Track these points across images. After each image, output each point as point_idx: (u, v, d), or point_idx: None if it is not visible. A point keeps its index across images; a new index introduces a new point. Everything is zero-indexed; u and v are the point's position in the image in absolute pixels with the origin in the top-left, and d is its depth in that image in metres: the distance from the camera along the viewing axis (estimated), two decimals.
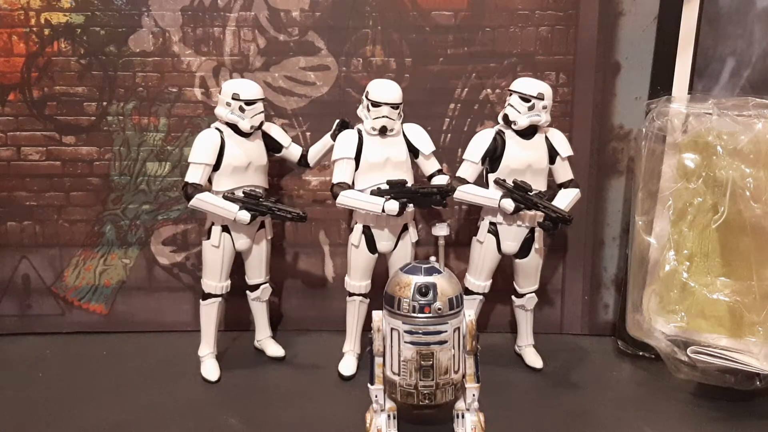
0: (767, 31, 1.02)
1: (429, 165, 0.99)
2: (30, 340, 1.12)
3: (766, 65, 1.03)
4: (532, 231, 0.97)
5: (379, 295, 0.75)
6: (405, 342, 0.68)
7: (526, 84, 0.94)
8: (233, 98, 0.95)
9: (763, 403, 0.90)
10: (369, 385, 0.76)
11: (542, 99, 0.93)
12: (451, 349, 0.67)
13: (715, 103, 0.95)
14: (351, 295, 1.00)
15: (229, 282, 0.99)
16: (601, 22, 1.05)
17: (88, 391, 0.96)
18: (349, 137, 0.96)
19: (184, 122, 1.09)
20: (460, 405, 0.73)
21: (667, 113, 0.98)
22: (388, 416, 0.71)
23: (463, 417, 0.73)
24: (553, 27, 1.06)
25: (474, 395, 0.69)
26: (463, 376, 0.71)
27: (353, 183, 0.95)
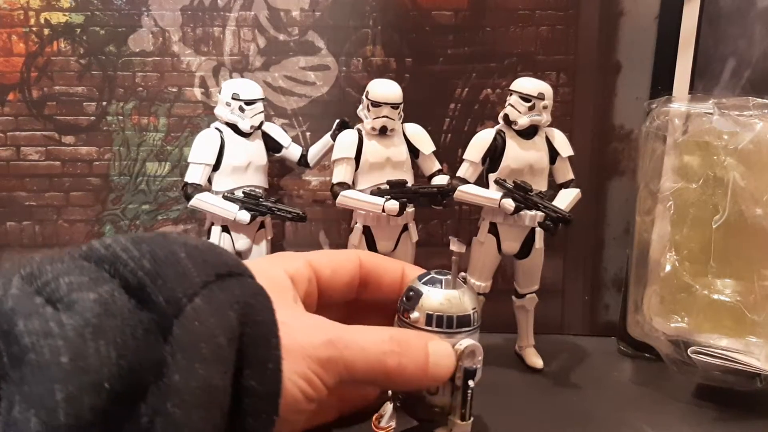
0: None
1: (429, 165, 0.99)
2: None
3: (767, 65, 1.02)
4: (532, 231, 0.97)
5: None
6: None
7: (527, 84, 0.94)
8: (233, 98, 0.94)
9: (764, 404, 0.90)
10: None
11: (543, 99, 0.93)
12: None
13: (716, 103, 0.95)
14: None
15: None
16: (601, 22, 1.05)
17: None
18: (348, 137, 0.96)
19: (184, 122, 1.09)
20: None
21: (668, 113, 0.98)
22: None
23: None
24: (553, 27, 1.06)
25: None
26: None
27: (353, 183, 0.95)
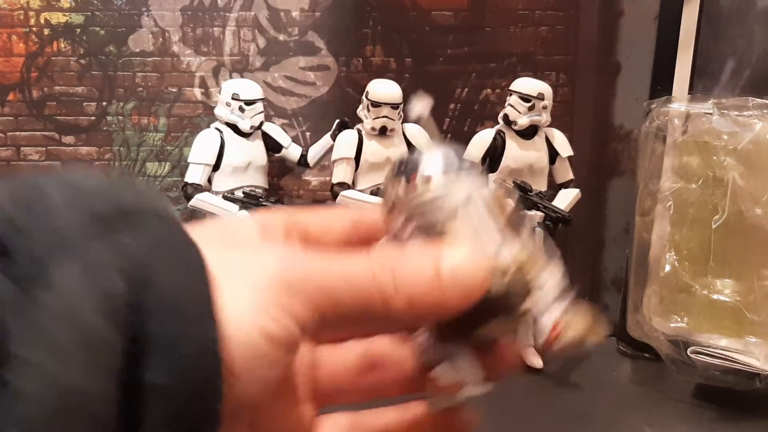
0: None
1: None
2: None
3: (767, 65, 1.02)
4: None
5: None
6: None
7: (526, 84, 0.95)
8: (233, 98, 0.94)
9: (764, 404, 0.90)
10: None
11: (542, 99, 0.93)
12: None
13: (715, 103, 0.95)
14: None
15: None
16: (601, 23, 1.05)
17: None
18: (348, 137, 0.96)
19: (184, 122, 1.09)
20: None
21: (667, 113, 0.98)
22: None
23: None
24: (553, 27, 1.06)
25: None
26: None
27: (353, 183, 0.95)
